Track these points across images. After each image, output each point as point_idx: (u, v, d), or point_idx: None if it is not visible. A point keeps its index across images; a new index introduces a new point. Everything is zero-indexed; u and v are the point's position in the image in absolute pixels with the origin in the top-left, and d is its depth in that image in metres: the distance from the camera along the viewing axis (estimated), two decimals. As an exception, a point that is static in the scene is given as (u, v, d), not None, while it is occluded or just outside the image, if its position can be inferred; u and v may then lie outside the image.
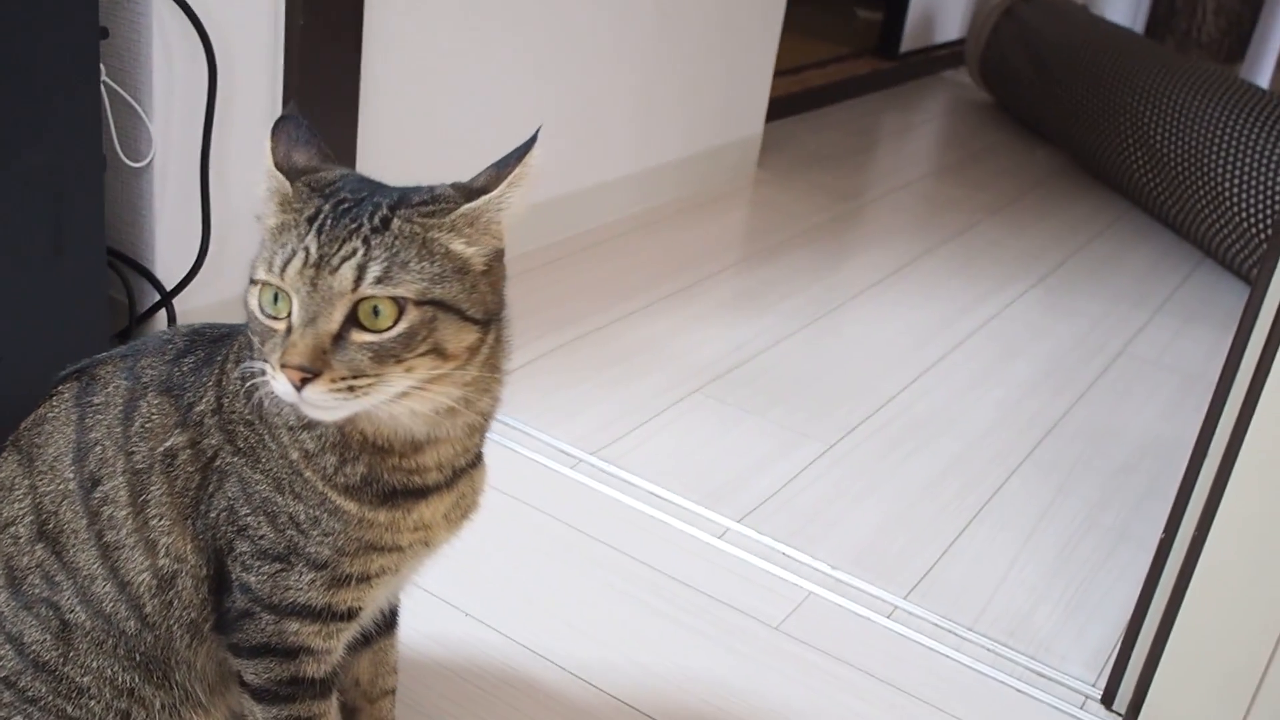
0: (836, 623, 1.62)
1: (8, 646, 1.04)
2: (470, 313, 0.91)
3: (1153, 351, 2.60)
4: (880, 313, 2.62)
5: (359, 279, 0.86)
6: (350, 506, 0.97)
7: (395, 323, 0.87)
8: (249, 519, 0.98)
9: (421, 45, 2.16)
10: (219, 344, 1.05)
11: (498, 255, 0.95)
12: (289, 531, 0.97)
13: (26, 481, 1.03)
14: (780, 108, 3.84)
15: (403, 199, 0.91)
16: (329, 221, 0.88)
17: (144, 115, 1.77)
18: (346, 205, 0.89)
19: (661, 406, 2.09)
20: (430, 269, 0.88)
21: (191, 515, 1.00)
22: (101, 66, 1.62)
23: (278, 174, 0.93)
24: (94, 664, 1.03)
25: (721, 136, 3.20)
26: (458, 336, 0.90)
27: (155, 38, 1.73)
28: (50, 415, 1.05)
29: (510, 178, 0.92)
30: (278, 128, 0.96)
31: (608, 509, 1.79)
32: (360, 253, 0.86)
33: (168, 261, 1.86)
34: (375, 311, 0.87)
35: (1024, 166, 3.87)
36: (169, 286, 1.85)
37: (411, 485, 0.99)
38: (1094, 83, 3.63)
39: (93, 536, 1.01)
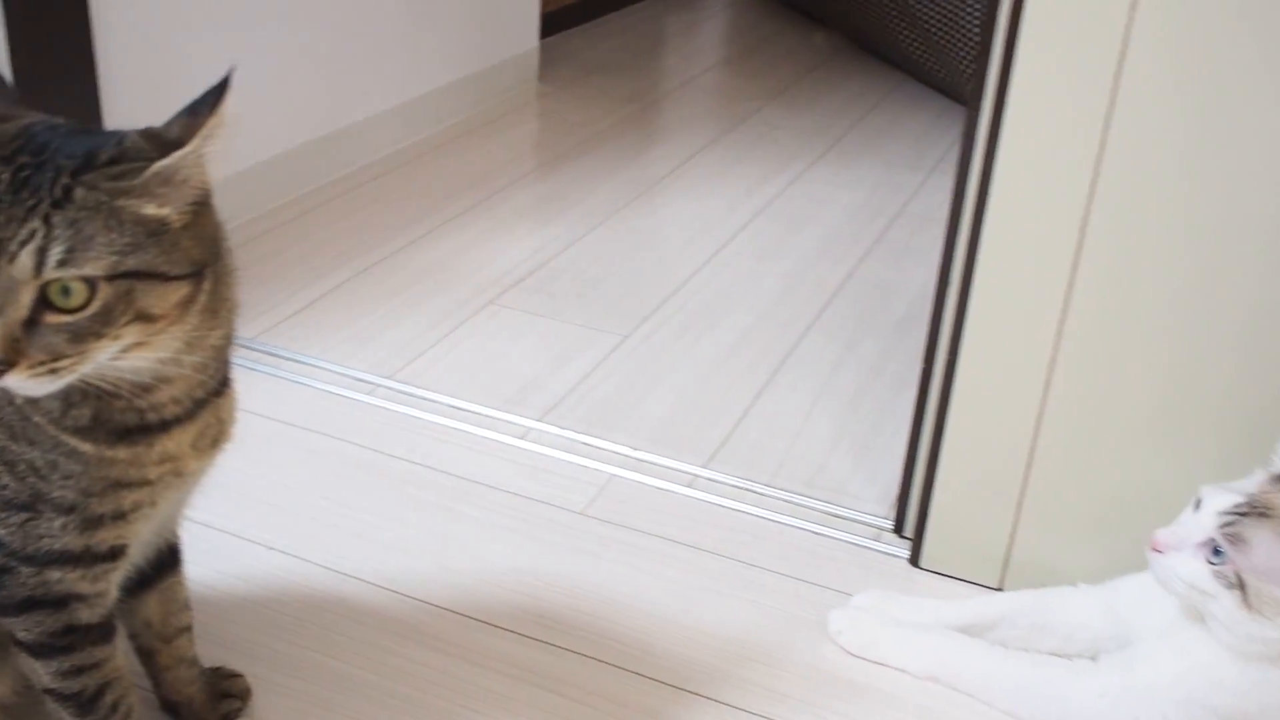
0: (639, 499, 1.67)
1: None
2: (173, 272, 0.88)
3: (929, 209, 2.70)
4: (669, 204, 2.67)
5: (40, 264, 0.82)
6: (86, 447, 0.95)
7: (88, 302, 0.84)
8: None
9: (157, -8, 2.11)
10: None
11: (202, 201, 0.90)
12: (30, 479, 0.96)
13: None
14: (558, 21, 3.84)
15: (88, 159, 0.86)
16: (7, 197, 0.83)
17: None
18: (26, 173, 0.84)
19: (456, 323, 2.11)
20: (120, 240, 0.84)
21: None
22: None
23: None
24: None
25: (495, 55, 3.19)
26: (163, 299, 0.88)
27: None
28: None
29: (203, 131, 0.87)
30: None
31: (408, 427, 1.80)
32: (40, 234, 0.82)
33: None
34: (66, 291, 0.84)
35: (802, 51, 3.94)
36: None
37: (147, 421, 0.97)
38: (855, -41, 3.71)
39: None
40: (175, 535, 1.19)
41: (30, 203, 0.83)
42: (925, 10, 3.33)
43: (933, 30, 3.30)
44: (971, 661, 1.38)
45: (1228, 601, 1.17)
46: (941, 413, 1.48)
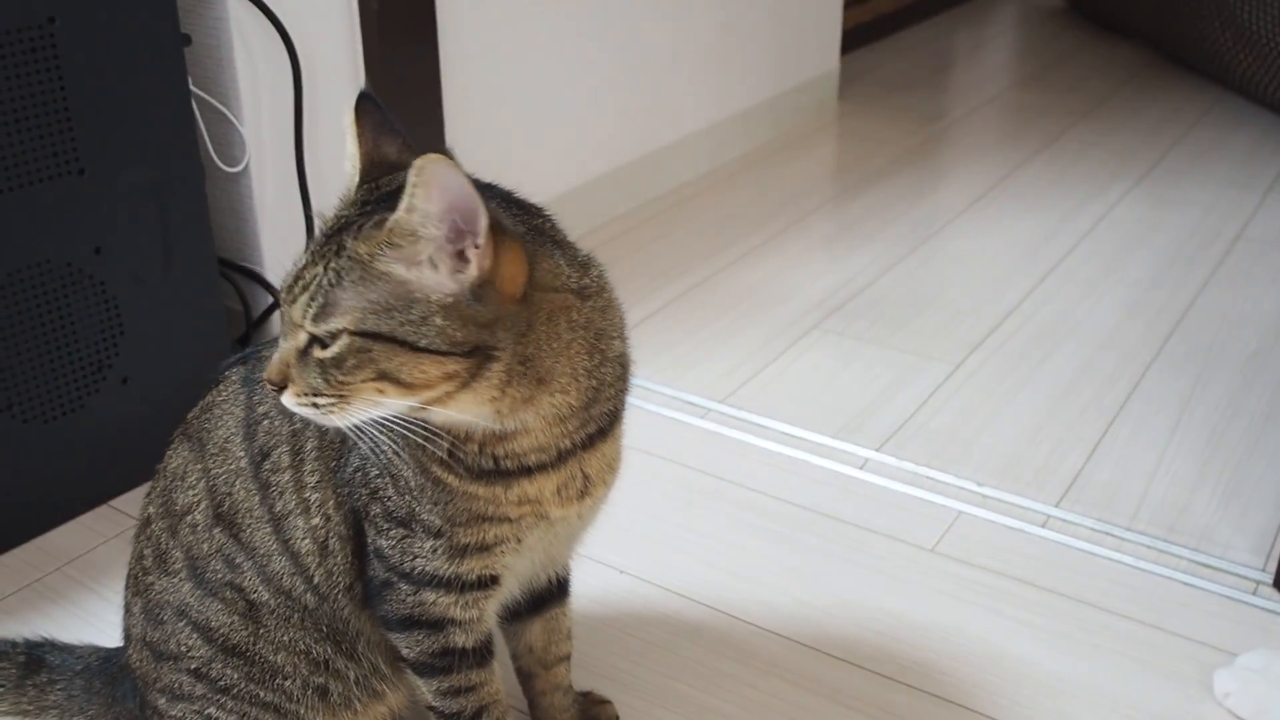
0: (991, 538, 1.59)
1: (195, 636, 1.05)
2: (425, 344, 0.84)
3: (1270, 232, 2.52)
4: (986, 227, 2.57)
5: (303, 315, 0.85)
6: (448, 479, 0.95)
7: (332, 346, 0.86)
8: (378, 480, 0.98)
9: (490, 20, 2.16)
10: None
11: (482, 287, 0.85)
12: (407, 496, 0.97)
13: (199, 466, 1.04)
14: (853, 39, 3.79)
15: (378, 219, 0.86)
16: (320, 240, 0.88)
17: (234, 119, 1.78)
18: (346, 221, 0.87)
19: (781, 347, 2.07)
20: (368, 296, 0.84)
21: (336, 468, 1.01)
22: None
23: (356, 169, 0.92)
24: (285, 639, 1.04)
25: (799, 75, 3.15)
26: (415, 367, 0.85)
27: (235, 40, 1.74)
28: (219, 399, 1.06)
29: (406, 190, 0.82)
30: (361, 111, 0.92)
31: (744, 453, 1.77)
32: (313, 285, 0.85)
33: (276, 263, 1.88)
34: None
35: (1107, 67, 3.76)
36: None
37: (503, 467, 0.95)
38: (1172, -32, 3.51)
39: (265, 511, 1.02)
40: (564, 569, 1.18)
41: (328, 249, 0.86)
42: (1253, 18, 3.11)
43: (1260, 39, 3.08)
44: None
45: None
46: (1350, 459, 1.35)
